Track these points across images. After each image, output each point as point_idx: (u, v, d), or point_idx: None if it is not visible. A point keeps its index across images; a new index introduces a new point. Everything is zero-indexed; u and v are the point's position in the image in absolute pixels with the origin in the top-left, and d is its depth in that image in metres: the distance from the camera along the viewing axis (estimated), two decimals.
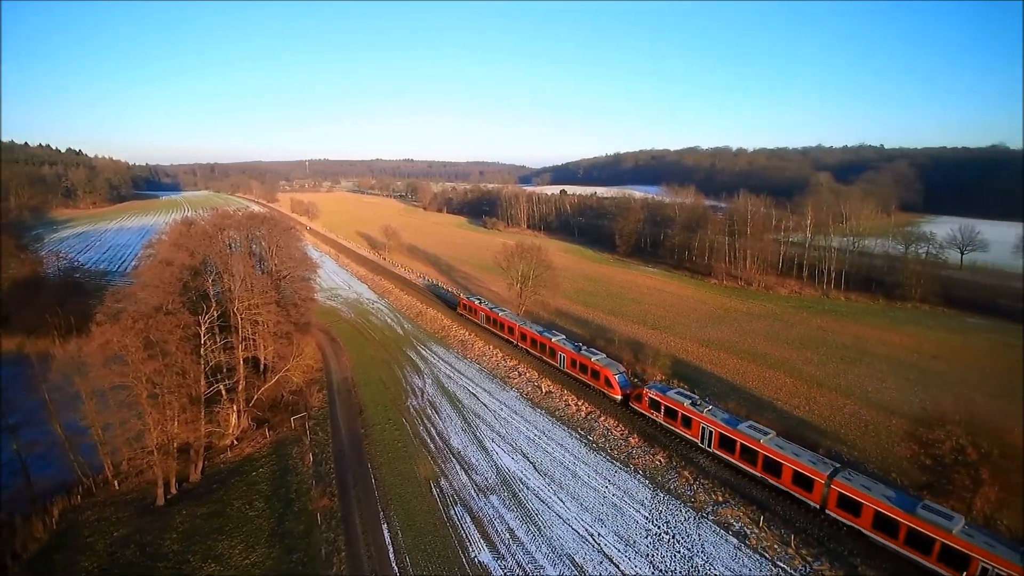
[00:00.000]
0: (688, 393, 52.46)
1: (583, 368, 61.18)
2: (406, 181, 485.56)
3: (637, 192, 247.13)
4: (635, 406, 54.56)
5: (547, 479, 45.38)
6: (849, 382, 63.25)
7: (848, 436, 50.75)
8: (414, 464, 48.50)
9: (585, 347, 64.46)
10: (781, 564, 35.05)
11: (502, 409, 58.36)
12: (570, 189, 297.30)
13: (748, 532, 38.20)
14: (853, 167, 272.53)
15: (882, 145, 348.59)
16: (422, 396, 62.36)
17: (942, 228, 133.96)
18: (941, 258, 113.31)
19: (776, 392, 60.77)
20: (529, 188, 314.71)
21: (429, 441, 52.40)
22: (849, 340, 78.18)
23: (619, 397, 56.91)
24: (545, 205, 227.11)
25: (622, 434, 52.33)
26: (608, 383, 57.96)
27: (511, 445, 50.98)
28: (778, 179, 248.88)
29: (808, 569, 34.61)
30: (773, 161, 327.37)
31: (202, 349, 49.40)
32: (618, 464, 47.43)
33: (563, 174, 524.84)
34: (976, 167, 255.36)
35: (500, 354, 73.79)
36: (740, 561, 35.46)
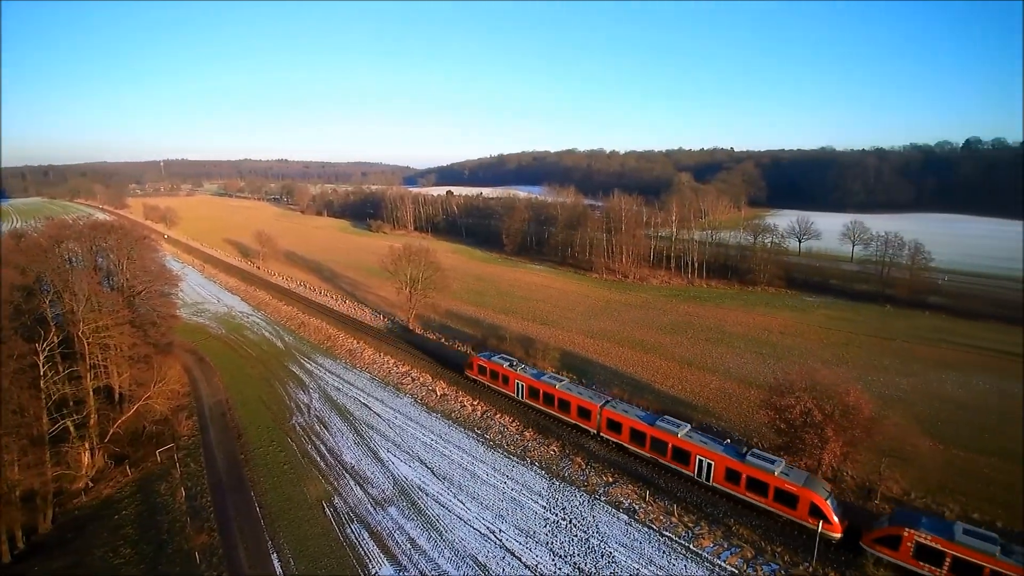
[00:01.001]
0: (1001, 541, 31.01)
1: (757, 487, 39.42)
2: (281, 183, 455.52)
3: (521, 192, 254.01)
4: (884, 554, 33.53)
5: (446, 483, 45.20)
6: (714, 360, 70.35)
7: (715, 408, 56.48)
8: (303, 485, 45.84)
9: (752, 451, 41.90)
10: (667, 533, 38.14)
11: (396, 417, 57.09)
12: (456, 190, 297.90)
13: (637, 508, 41.05)
14: (709, 167, 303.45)
15: (732, 148, 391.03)
16: (308, 412, 59.06)
17: (783, 220, 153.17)
18: (783, 246, 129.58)
19: (653, 375, 65.86)
20: (415, 189, 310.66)
21: (319, 459, 49.81)
22: (712, 323, 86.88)
23: (838, 535, 36.00)
24: (432, 206, 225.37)
25: (517, 429, 53.62)
26: (815, 511, 36.46)
27: (408, 453, 50.08)
28: (647, 179, 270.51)
29: (691, 534, 37.99)
30: (642, 163, 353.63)
31: (42, 381, 42.92)
32: (515, 459, 48.55)
33: (448, 175, 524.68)
34: (809, 166, 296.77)
35: (392, 361, 72.04)
36: (631, 536, 38.01)
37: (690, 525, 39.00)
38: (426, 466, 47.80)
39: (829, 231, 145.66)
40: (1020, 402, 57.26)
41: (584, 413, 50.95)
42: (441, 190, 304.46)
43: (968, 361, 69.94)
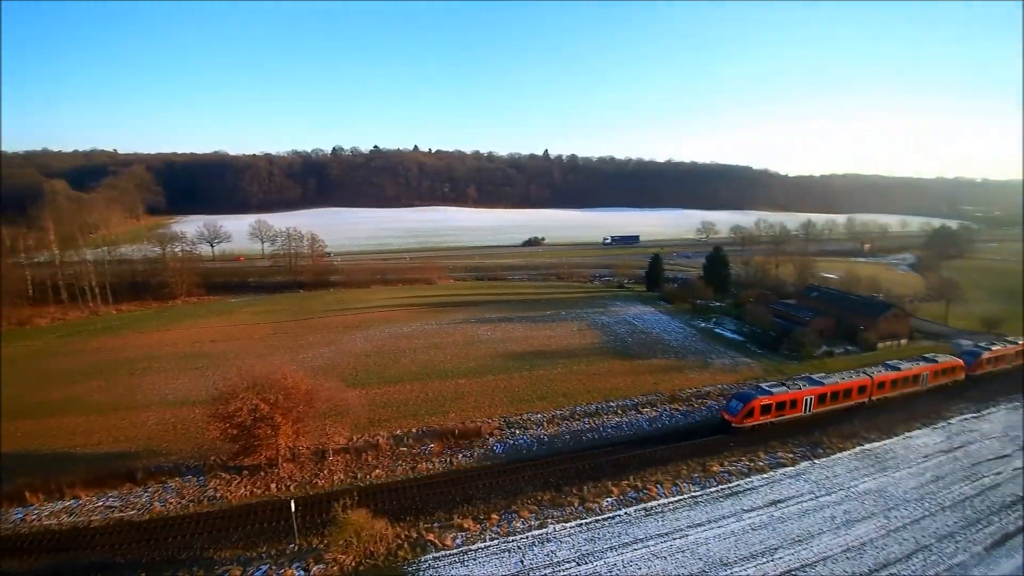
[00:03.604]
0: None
1: None
2: None
3: None
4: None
5: None
6: (145, 394, 61.71)
7: (162, 446, 50.07)
8: None
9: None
10: None
11: None
12: None
13: None
14: (89, 172, 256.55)
15: (115, 150, 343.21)
16: None
17: (191, 226, 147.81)
18: (196, 253, 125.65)
19: (70, 440, 51.82)
20: None
21: None
22: (134, 352, 75.70)
23: None
24: None
25: None
26: None
27: None
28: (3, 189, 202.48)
29: None
30: None
31: None
32: None
33: None
34: (205, 170, 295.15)
35: None
36: None
37: None
38: None
39: (239, 232, 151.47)
40: (404, 341, 78.44)
41: (862, 389, 60.03)
42: None
43: (366, 319, 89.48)
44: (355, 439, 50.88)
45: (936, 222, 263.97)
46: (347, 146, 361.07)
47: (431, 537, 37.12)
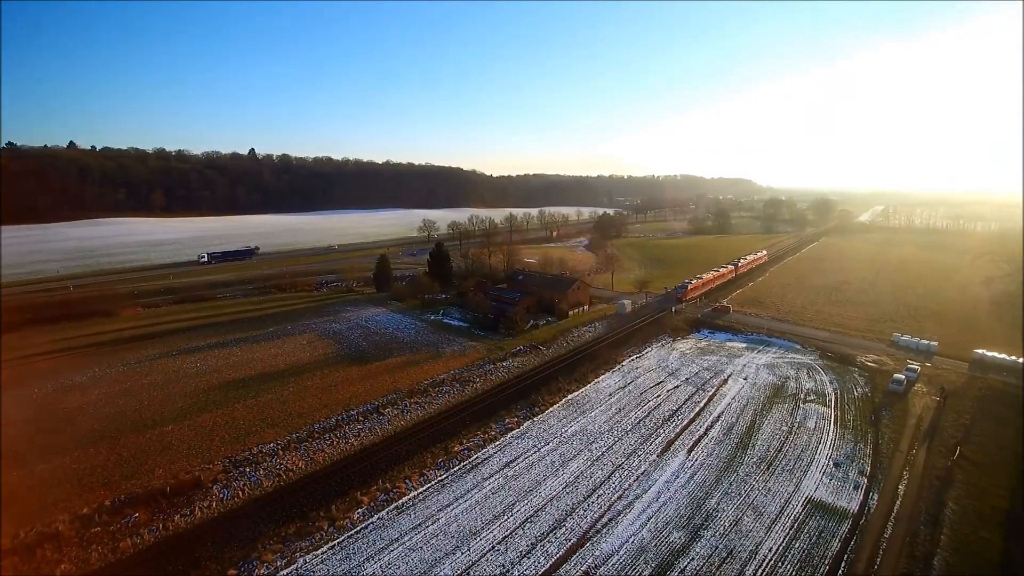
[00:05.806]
0: None
1: None
2: None
3: None
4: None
5: None
6: None
7: None
8: None
9: None
10: None
11: None
12: None
13: None
14: None
15: None
16: None
17: None
18: None
19: None
20: None
21: None
22: None
23: None
24: None
25: None
26: None
27: None
28: None
29: None
30: None
31: None
32: None
33: None
34: None
35: None
36: None
37: None
38: None
39: None
40: (77, 394, 61.46)
41: (712, 280, 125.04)
42: None
43: (13, 376, 67.31)
44: (22, 534, 38.23)
45: (600, 211, 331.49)
46: None
47: None
